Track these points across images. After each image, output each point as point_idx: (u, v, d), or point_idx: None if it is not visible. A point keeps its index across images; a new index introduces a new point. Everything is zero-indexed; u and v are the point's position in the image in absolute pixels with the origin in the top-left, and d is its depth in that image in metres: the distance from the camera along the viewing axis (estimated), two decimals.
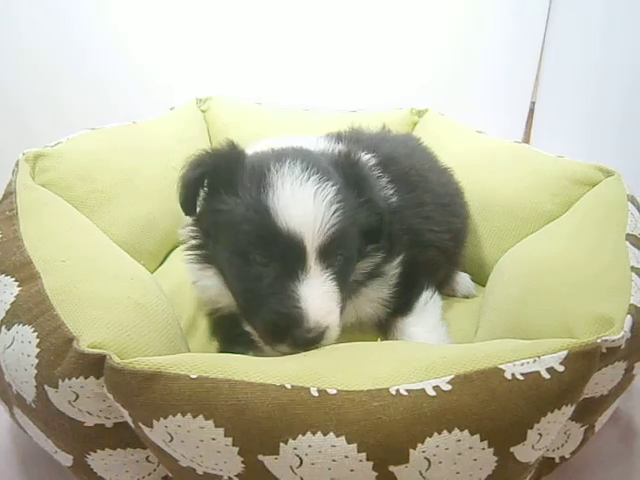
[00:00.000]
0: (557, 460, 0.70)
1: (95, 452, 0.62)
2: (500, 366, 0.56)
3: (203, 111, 1.40)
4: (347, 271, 0.77)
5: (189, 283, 0.96)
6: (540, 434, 0.56)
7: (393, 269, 0.87)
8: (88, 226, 0.90)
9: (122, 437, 0.61)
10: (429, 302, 0.91)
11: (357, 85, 1.72)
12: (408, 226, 0.89)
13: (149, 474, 0.66)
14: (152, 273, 1.11)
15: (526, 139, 1.87)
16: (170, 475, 0.64)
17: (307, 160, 0.73)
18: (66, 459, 0.65)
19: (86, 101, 1.56)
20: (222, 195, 0.73)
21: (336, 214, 0.70)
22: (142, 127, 1.19)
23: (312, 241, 0.69)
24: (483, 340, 0.84)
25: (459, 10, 1.71)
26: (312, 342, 0.68)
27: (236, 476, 0.55)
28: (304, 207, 0.69)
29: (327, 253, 0.70)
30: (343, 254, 0.74)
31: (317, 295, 0.68)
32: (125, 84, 1.58)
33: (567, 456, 0.71)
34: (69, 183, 0.95)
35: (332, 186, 0.71)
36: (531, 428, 0.55)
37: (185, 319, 0.93)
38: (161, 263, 1.16)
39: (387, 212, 0.80)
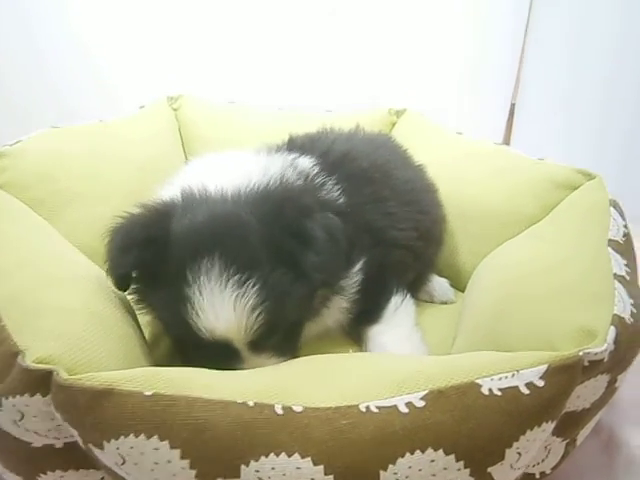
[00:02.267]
0: (537, 476, 0.67)
1: (45, 474, 0.58)
2: (477, 380, 0.53)
3: (174, 109, 1.36)
4: (294, 333, 0.76)
5: None
6: (519, 453, 0.53)
7: (354, 276, 0.83)
8: (45, 229, 0.85)
9: (74, 457, 0.57)
10: (400, 308, 0.87)
11: (333, 84, 1.69)
12: (366, 223, 0.86)
13: None
14: None
15: (506, 140, 1.86)
16: None
17: (227, 252, 0.66)
18: None
19: (49, 101, 1.50)
20: (150, 285, 0.72)
21: (261, 316, 0.66)
22: (109, 126, 1.14)
23: (241, 341, 0.68)
24: (461, 349, 0.81)
25: (439, 8, 1.69)
26: None
27: None
28: (225, 318, 0.66)
29: (261, 344, 0.69)
30: (281, 332, 0.71)
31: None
32: (91, 82, 1.54)
33: (548, 471, 0.67)
34: (28, 183, 0.90)
35: (254, 285, 0.66)
36: (510, 447, 0.52)
37: (150, 329, 0.88)
38: None
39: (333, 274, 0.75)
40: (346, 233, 0.74)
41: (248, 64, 1.64)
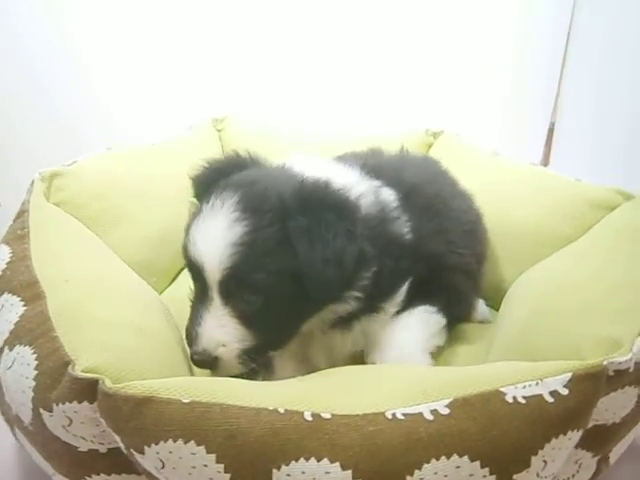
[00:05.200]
0: None
1: (90, 477, 0.62)
2: (501, 389, 0.55)
3: (219, 130, 1.41)
4: (271, 316, 0.75)
5: None
6: (545, 461, 0.54)
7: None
8: (97, 245, 0.91)
9: (117, 462, 0.60)
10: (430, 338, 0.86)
11: (371, 107, 1.71)
12: (429, 252, 0.87)
13: None
14: (163, 291, 1.12)
15: (545, 161, 1.85)
16: None
17: (241, 195, 0.73)
18: None
19: (99, 123, 1.59)
20: None
21: (234, 257, 0.70)
22: (158, 148, 1.22)
23: (212, 276, 0.72)
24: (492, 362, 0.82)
25: (477, 29, 1.70)
26: (203, 366, 0.75)
27: None
28: (206, 243, 0.73)
29: (229, 291, 0.73)
30: (256, 298, 0.73)
31: (212, 326, 0.73)
32: (139, 104, 1.61)
33: None
34: (83, 201, 0.97)
35: (245, 229, 0.70)
36: (535, 454, 0.53)
37: None
38: (172, 281, 1.17)
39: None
40: (402, 265, 0.82)
41: (289, 87, 1.70)
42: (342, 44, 1.68)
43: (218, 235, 0.72)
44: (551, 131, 1.88)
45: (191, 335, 0.74)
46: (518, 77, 1.76)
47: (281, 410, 0.53)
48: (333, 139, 1.42)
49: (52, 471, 0.65)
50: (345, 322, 0.82)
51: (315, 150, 1.20)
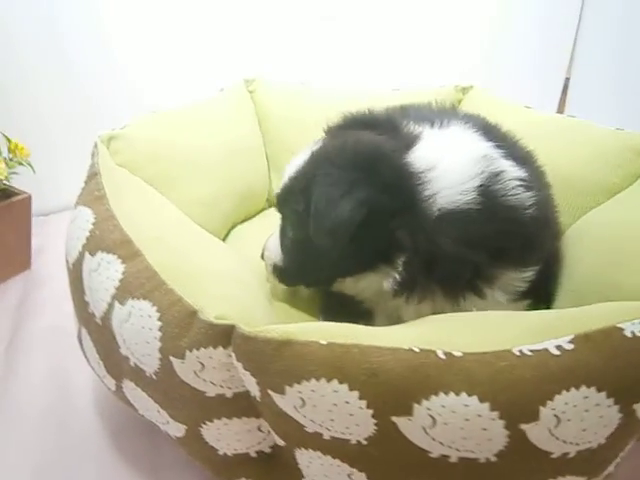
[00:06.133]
0: None
1: (212, 422, 0.64)
2: (618, 325, 0.57)
3: (250, 92, 1.40)
4: (297, 250, 0.84)
5: (260, 262, 0.99)
6: None
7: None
8: (167, 203, 0.91)
9: (239, 407, 0.62)
10: None
11: (396, 63, 1.72)
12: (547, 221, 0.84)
13: (259, 443, 0.67)
14: None
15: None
16: (281, 444, 0.65)
17: (321, 143, 0.83)
18: (178, 429, 0.67)
19: (126, 94, 1.57)
20: None
21: (285, 186, 0.83)
22: (197, 108, 1.21)
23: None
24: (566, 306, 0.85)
25: None
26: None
27: (365, 439, 0.56)
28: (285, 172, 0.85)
29: (280, 215, 0.86)
30: (289, 229, 0.83)
31: (272, 236, 0.90)
32: (163, 71, 1.60)
33: None
34: (139, 164, 0.97)
35: (300, 167, 0.81)
36: None
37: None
38: None
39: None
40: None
41: (317, 46, 1.69)
42: (365, 2, 1.67)
43: (290, 168, 0.83)
44: (565, 86, 1.90)
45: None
46: (533, 34, 1.77)
47: (416, 349, 0.55)
48: (363, 96, 1.41)
49: (166, 420, 0.67)
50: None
51: (344, 107, 1.21)
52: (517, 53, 1.77)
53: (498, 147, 0.81)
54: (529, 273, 0.78)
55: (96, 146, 0.92)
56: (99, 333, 0.69)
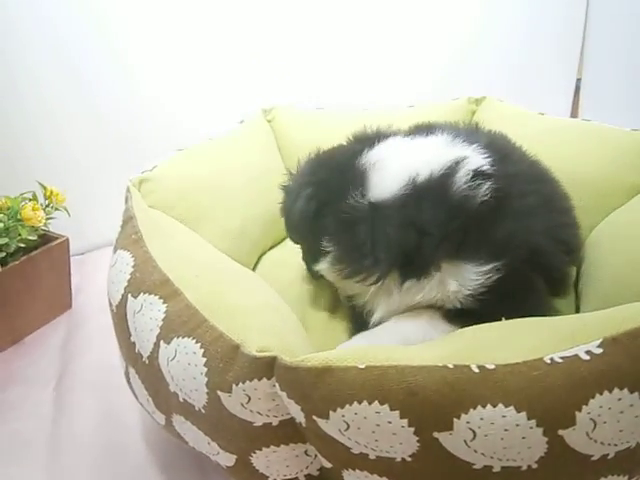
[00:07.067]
0: None
1: (260, 450, 0.67)
2: None
3: (269, 121, 1.45)
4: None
5: (289, 287, 1.02)
6: None
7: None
8: (200, 240, 0.95)
9: (285, 433, 0.65)
10: None
11: (409, 79, 1.75)
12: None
13: (306, 467, 0.70)
14: None
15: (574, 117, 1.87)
16: (327, 466, 0.67)
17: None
18: (228, 459, 0.70)
19: (153, 129, 1.63)
20: None
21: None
22: (220, 142, 1.25)
23: None
24: (595, 307, 0.87)
25: None
26: None
27: (410, 456, 0.58)
28: None
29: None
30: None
31: None
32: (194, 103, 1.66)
33: None
34: (170, 203, 1.02)
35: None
36: None
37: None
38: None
39: None
40: None
41: (329, 68, 1.73)
42: (374, 23, 1.71)
43: None
44: (577, 87, 1.90)
45: None
46: (542, 35, 1.78)
47: (450, 365, 0.58)
48: (379, 117, 1.45)
49: (217, 451, 0.70)
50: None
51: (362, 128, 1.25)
52: (527, 58, 1.77)
53: (469, 144, 0.84)
54: (483, 268, 0.77)
55: (129, 190, 0.97)
56: (147, 372, 0.73)
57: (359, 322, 0.90)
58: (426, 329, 0.81)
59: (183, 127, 1.61)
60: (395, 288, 0.80)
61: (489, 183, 0.76)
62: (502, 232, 0.78)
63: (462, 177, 0.76)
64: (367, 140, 0.90)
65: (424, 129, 1.06)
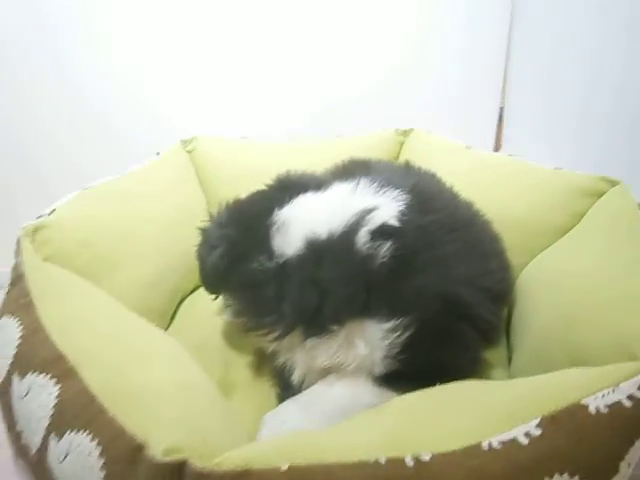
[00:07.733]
0: None
1: None
2: (582, 402, 0.56)
3: (189, 152, 1.35)
4: None
5: (211, 339, 0.95)
6: (629, 464, 0.56)
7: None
8: (104, 298, 0.84)
9: None
10: None
11: (337, 110, 1.71)
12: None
13: None
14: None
15: (497, 147, 1.91)
16: None
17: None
18: None
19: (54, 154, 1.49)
20: None
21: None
22: (131, 179, 1.13)
23: None
24: (524, 364, 0.86)
25: (414, 18, 1.73)
26: None
27: None
28: None
29: None
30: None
31: None
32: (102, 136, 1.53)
33: None
34: (72, 253, 0.88)
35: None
36: (622, 460, 0.55)
37: (217, 381, 0.87)
38: (170, 322, 1.11)
39: None
40: None
41: (253, 96, 1.66)
42: (300, 52, 1.67)
43: None
44: (501, 116, 1.94)
45: None
46: (463, 65, 1.80)
47: (382, 460, 0.52)
48: (305, 148, 1.40)
49: None
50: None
51: (287, 160, 1.19)
52: (450, 88, 1.78)
53: (393, 189, 0.84)
54: (388, 325, 0.74)
55: (18, 243, 0.84)
56: (36, 469, 0.62)
57: (283, 380, 0.85)
58: (360, 395, 0.77)
59: (87, 163, 1.49)
60: (299, 345, 0.79)
61: (389, 243, 0.75)
62: (408, 287, 0.75)
63: (362, 237, 0.75)
64: (286, 190, 0.87)
65: (353, 168, 1.04)
